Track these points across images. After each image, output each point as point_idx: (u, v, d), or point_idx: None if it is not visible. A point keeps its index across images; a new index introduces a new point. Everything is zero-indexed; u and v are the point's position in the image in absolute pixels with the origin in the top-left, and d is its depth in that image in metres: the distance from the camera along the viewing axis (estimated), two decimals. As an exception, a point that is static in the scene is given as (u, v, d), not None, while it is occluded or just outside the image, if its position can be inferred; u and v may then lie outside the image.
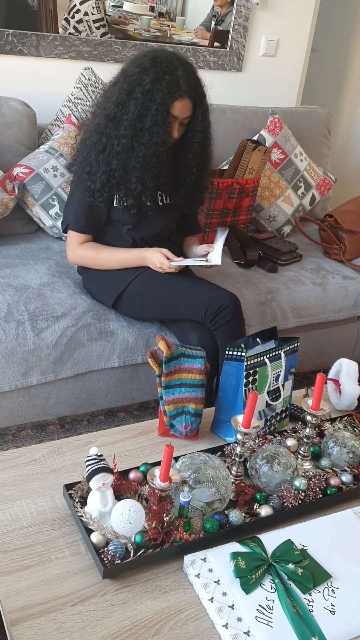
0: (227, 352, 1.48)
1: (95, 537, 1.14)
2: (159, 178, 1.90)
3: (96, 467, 1.17)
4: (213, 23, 2.84)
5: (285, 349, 1.54)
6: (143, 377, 2.10)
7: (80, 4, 2.53)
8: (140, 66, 1.79)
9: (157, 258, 1.92)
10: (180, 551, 1.15)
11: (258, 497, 1.29)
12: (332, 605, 1.09)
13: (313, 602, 1.08)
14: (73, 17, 2.54)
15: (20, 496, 1.26)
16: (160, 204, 1.99)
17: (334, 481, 1.37)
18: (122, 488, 1.25)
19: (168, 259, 1.92)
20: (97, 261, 2.01)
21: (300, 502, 1.29)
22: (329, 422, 1.59)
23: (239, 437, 1.30)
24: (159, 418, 1.51)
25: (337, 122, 3.94)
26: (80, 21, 2.56)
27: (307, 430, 1.42)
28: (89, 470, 1.17)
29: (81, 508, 1.20)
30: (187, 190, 2.00)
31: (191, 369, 1.48)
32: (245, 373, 1.44)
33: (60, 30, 2.53)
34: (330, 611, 1.07)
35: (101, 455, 1.20)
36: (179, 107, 1.81)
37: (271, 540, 1.17)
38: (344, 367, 1.69)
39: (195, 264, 1.96)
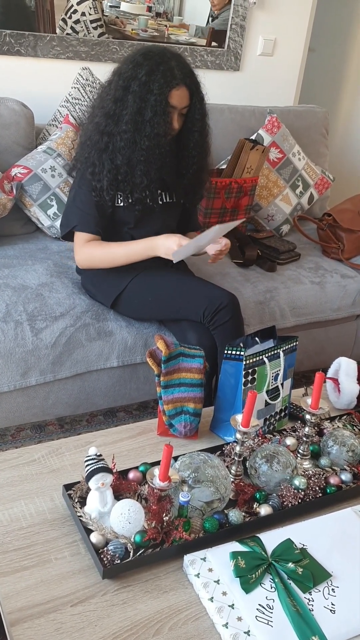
0: (226, 352, 1.48)
1: (94, 537, 1.14)
2: (162, 170, 1.89)
3: (95, 467, 1.17)
4: (210, 20, 2.84)
5: (284, 348, 1.54)
6: (142, 376, 2.10)
7: (78, 4, 2.53)
8: (133, 62, 1.80)
9: (174, 241, 1.82)
10: (180, 551, 1.15)
11: (257, 496, 1.29)
12: (332, 604, 1.08)
13: (313, 601, 1.08)
14: (70, 17, 2.53)
15: (20, 497, 1.26)
16: (161, 202, 1.99)
17: (333, 480, 1.37)
18: (122, 488, 1.24)
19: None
20: (107, 257, 1.93)
21: (299, 501, 1.29)
22: (328, 421, 1.59)
23: (238, 436, 1.29)
24: (158, 418, 1.50)
25: (335, 121, 3.94)
26: (77, 21, 2.56)
27: (307, 429, 1.42)
28: (88, 470, 1.17)
29: (80, 508, 1.20)
30: (189, 182, 2.00)
31: (190, 368, 1.48)
32: (244, 372, 1.44)
33: (57, 30, 2.53)
34: (331, 610, 1.07)
35: (100, 455, 1.20)
36: (177, 95, 1.80)
37: (271, 539, 1.17)
38: (343, 365, 1.70)
39: (207, 237, 1.79)
